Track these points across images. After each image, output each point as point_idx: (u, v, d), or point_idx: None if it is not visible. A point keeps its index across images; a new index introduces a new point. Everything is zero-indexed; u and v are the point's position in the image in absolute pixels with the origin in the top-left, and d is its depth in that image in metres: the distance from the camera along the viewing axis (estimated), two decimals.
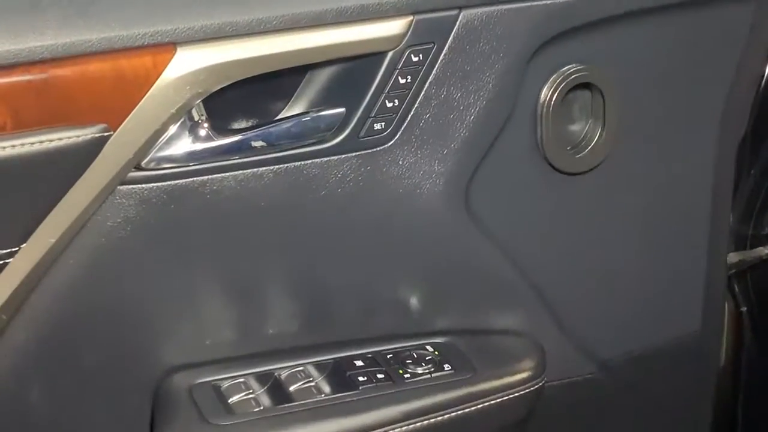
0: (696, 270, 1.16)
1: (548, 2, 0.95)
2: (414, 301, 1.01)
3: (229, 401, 0.91)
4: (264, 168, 0.89)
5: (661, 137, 1.09)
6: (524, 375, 1.01)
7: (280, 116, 0.92)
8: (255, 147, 0.89)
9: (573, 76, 0.98)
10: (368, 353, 0.99)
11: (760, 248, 1.26)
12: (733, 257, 1.23)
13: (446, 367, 0.97)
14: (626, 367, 1.14)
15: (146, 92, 0.82)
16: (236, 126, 0.91)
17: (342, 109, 0.90)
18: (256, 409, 0.90)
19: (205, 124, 0.86)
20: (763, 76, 1.18)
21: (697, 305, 1.17)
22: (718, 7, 1.06)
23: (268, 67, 0.86)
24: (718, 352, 1.26)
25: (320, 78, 0.91)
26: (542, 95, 0.98)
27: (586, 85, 0.99)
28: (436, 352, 0.99)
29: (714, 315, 1.20)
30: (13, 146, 0.78)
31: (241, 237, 0.92)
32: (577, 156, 1.02)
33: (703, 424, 1.26)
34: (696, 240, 1.15)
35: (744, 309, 1.28)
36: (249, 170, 0.89)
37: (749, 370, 1.30)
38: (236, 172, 0.88)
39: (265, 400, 0.91)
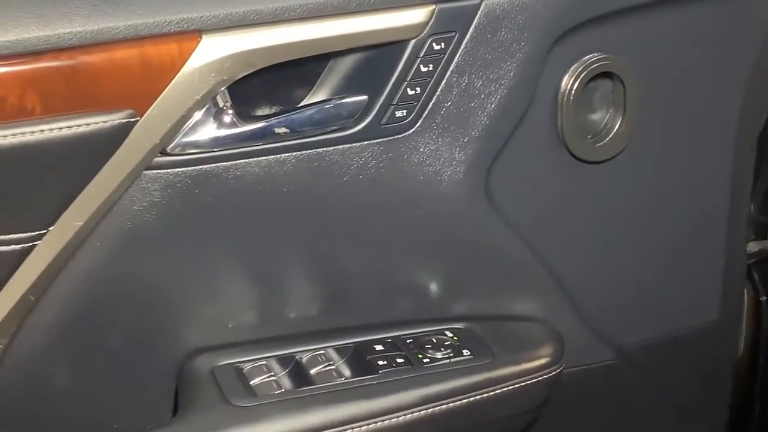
0: (715, 259, 1.15)
1: None
2: (433, 287, 1.01)
3: (251, 383, 0.91)
4: (287, 154, 0.89)
5: (681, 127, 1.08)
6: (543, 361, 1.00)
7: (303, 103, 0.91)
8: (278, 133, 0.88)
9: (594, 66, 0.97)
10: (388, 338, 0.98)
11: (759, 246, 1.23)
12: (753, 246, 1.22)
13: (465, 352, 0.96)
14: (644, 355, 1.13)
15: (172, 79, 0.82)
16: (260, 113, 0.91)
17: (364, 97, 0.90)
18: (277, 392, 0.90)
19: (230, 111, 0.86)
20: None
21: (716, 294, 1.16)
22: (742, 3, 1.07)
23: (291, 55, 0.86)
24: (737, 340, 1.25)
25: (343, 66, 0.91)
26: (563, 84, 0.97)
27: (607, 75, 0.99)
28: (455, 338, 0.99)
29: (733, 304, 1.18)
30: (42, 131, 0.79)
31: (263, 222, 0.92)
32: (598, 145, 1.01)
33: (721, 412, 1.25)
34: (715, 229, 1.14)
35: (764, 298, 1.27)
36: (272, 156, 0.88)
37: (764, 352, 1.30)
38: (260, 158, 0.88)
39: (286, 383, 0.91)
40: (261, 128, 0.88)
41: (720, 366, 1.22)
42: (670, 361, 1.16)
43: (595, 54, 0.97)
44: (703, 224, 1.13)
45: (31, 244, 0.83)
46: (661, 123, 1.05)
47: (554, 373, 0.99)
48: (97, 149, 0.81)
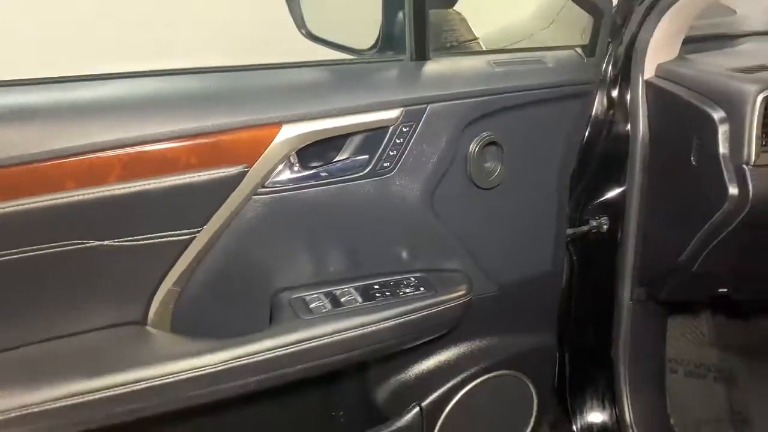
0: (551, 239, 1.29)
1: (473, 100, 1.10)
2: (405, 255, 1.14)
3: (310, 307, 1.04)
4: (328, 186, 1.04)
5: (533, 170, 1.23)
6: (461, 293, 1.13)
7: (336, 159, 1.06)
8: (323, 175, 1.04)
9: (486, 138, 1.13)
10: (380, 282, 1.11)
11: (582, 227, 1.36)
12: (569, 231, 1.35)
13: (422, 288, 1.11)
14: (513, 287, 1.26)
15: (266, 148, 0.96)
16: (314, 164, 1.05)
17: (367, 156, 1.06)
18: (324, 311, 1.03)
19: (298, 164, 1.01)
20: (583, 137, 1.30)
21: (551, 256, 1.30)
22: (564, 102, 1.21)
23: (330, 134, 1.02)
24: (561, 278, 1.37)
25: (357, 140, 1.06)
26: (470, 148, 1.13)
27: (493, 143, 1.15)
28: (416, 281, 1.12)
29: (560, 261, 1.34)
30: (199, 176, 0.94)
31: (316, 223, 1.06)
32: (489, 179, 1.16)
33: (552, 320, 1.38)
34: (551, 224, 1.28)
35: (574, 258, 1.39)
36: (320, 188, 1.03)
37: (575, 288, 1.40)
38: (314, 189, 1.03)
39: (329, 306, 1.05)
40: (314, 173, 1.03)
41: (554, 291, 1.36)
42: (526, 291, 1.29)
43: (487, 132, 1.13)
44: (544, 221, 1.28)
45: (192, 235, 0.96)
46: (522, 168, 1.20)
47: (467, 299, 1.14)
48: (230, 184, 0.96)
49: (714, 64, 1.22)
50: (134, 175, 0.90)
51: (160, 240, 0.94)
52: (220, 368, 0.93)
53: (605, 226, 1.34)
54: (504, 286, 1.24)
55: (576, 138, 1.26)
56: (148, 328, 0.98)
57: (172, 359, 0.93)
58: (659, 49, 1.23)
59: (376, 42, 1.19)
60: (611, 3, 1.21)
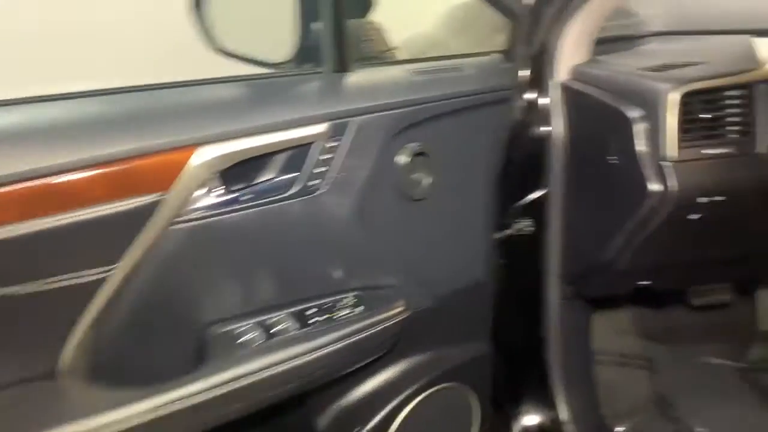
0: (482, 246, 1.31)
1: (398, 111, 1.09)
2: (339, 275, 1.11)
3: (241, 340, 0.99)
4: (253, 210, 1.00)
5: (460, 178, 1.24)
6: (399, 309, 1.11)
7: (260, 180, 1.02)
8: (247, 198, 1.00)
9: (414, 148, 1.13)
10: (315, 305, 1.07)
11: (507, 231, 1.34)
12: (496, 236, 1.36)
13: (358, 308, 1.08)
14: (448, 298, 1.26)
15: (181, 171, 0.92)
16: (236, 187, 1.00)
17: (294, 174, 1.03)
18: (256, 344, 0.99)
19: (218, 188, 0.97)
20: (506, 142, 1.30)
21: (482, 263, 1.32)
22: (486, 108, 1.23)
23: (251, 155, 0.98)
24: (492, 284, 1.37)
25: (281, 158, 1.03)
26: (399, 159, 1.13)
27: (422, 153, 1.15)
28: (353, 301, 1.09)
29: (490, 268, 1.35)
30: (110, 209, 0.88)
31: (242, 249, 1.02)
32: (419, 190, 1.16)
33: (488, 321, 1.38)
34: (481, 231, 1.30)
35: (503, 262, 1.38)
36: (244, 212, 0.99)
37: (505, 292, 1.40)
38: (238, 213, 0.99)
39: (261, 337, 1.00)
40: (237, 197, 0.99)
41: (487, 300, 1.37)
42: (461, 301, 1.29)
43: (415, 143, 1.13)
44: (474, 229, 1.29)
45: (106, 275, 0.90)
46: (451, 177, 1.21)
47: (405, 315, 1.12)
48: (143, 215, 0.91)
49: (625, 64, 1.24)
50: (35, 213, 0.83)
51: (69, 282, 0.87)
52: (146, 419, 0.87)
53: (530, 228, 1.34)
54: (439, 298, 1.24)
55: (499, 143, 1.28)
56: (63, 380, 0.90)
57: (91, 414, 0.85)
58: (571, 51, 1.25)
59: (293, 54, 1.15)
60: (525, 7, 1.22)
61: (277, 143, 0.99)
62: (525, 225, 1.34)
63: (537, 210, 1.33)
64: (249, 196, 0.99)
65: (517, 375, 1.46)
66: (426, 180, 1.15)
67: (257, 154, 0.97)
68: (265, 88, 1.07)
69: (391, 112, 1.07)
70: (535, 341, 1.40)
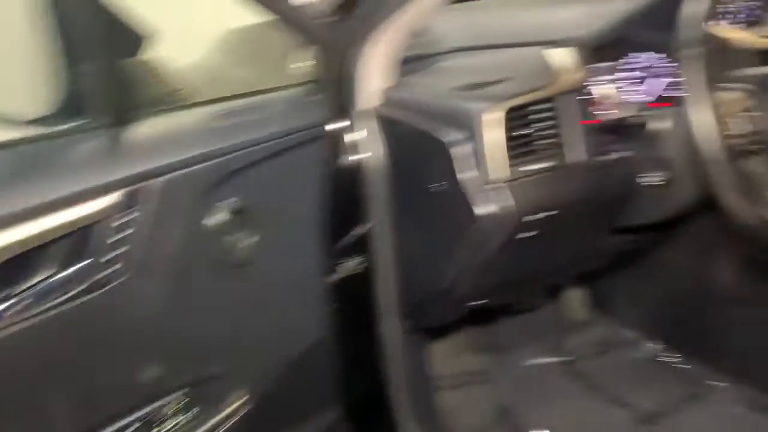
0: (317, 302, 1.21)
1: (202, 165, 0.95)
2: (161, 372, 0.96)
3: None
4: (31, 321, 0.80)
5: (287, 229, 1.14)
6: (240, 402, 1.02)
7: (36, 279, 0.83)
8: (22, 307, 0.80)
9: (231, 205, 1.01)
10: (133, 419, 0.91)
11: (337, 274, 1.27)
12: (328, 280, 1.26)
13: (195, 409, 0.95)
14: (288, 369, 1.16)
15: None
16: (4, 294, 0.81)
17: (87, 262, 0.85)
18: None
19: None
20: (326, 181, 1.22)
21: (317, 320, 1.23)
22: (300, 149, 1.13)
23: (13, 252, 0.78)
24: (330, 332, 1.28)
25: (62, 247, 0.85)
26: (209, 221, 0.99)
27: (241, 210, 1.02)
28: (186, 400, 0.96)
29: (326, 319, 1.26)
30: None
31: (26, 370, 0.84)
32: (238, 253, 1.03)
33: (333, 382, 1.29)
34: (314, 287, 1.22)
35: (336, 306, 1.30)
36: (19, 324, 0.80)
37: (340, 338, 1.32)
38: (8, 330, 0.79)
39: None
40: (6, 307, 0.79)
41: (328, 357, 1.27)
42: (303, 369, 1.20)
43: (232, 198, 1.00)
44: (306, 284, 1.19)
45: None
46: (276, 231, 1.10)
47: (248, 408, 1.02)
48: None
49: (435, 85, 1.23)
50: None
51: None
52: None
53: (362, 266, 1.27)
54: (281, 368, 1.14)
55: (319, 184, 1.20)
56: None
57: None
58: (376, 75, 1.20)
59: (55, 107, 0.96)
60: (328, 33, 1.14)
61: (51, 230, 0.80)
62: (356, 263, 1.27)
63: (365, 245, 1.27)
64: (26, 303, 0.80)
65: (369, 422, 1.38)
66: (248, 240, 1.03)
67: (23, 249, 0.78)
68: (23, 157, 0.89)
69: (193, 168, 0.93)
70: (381, 382, 1.35)
